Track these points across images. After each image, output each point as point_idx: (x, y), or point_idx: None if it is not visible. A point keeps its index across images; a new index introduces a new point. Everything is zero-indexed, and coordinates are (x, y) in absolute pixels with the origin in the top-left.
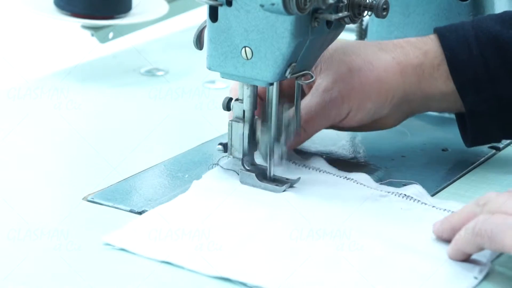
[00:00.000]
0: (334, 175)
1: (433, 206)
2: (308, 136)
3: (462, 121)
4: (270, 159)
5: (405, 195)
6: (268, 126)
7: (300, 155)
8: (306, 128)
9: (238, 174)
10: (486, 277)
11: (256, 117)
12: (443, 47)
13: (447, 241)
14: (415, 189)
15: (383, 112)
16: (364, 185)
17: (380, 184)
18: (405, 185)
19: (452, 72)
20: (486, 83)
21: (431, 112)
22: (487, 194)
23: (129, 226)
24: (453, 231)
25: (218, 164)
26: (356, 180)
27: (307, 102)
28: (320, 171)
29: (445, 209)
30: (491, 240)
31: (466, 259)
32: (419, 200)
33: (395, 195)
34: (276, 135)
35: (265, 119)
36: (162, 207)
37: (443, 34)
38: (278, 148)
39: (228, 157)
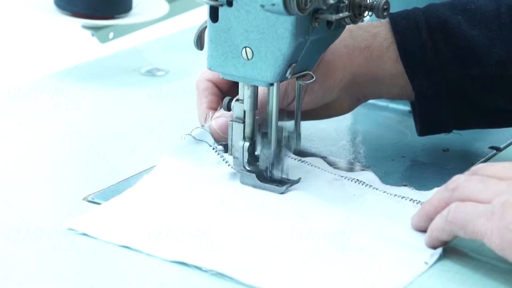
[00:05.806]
0: (289, 157)
1: (384, 192)
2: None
3: (415, 109)
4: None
5: (358, 180)
6: (268, 140)
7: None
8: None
9: (211, 145)
10: (438, 261)
11: (256, 117)
12: (393, 31)
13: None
14: (368, 176)
15: (333, 95)
16: (319, 168)
17: (334, 168)
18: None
19: (401, 54)
20: (435, 67)
21: None
22: (455, 177)
23: (93, 211)
24: (429, 219)
25: (190, 135)
26: (310, 163)
27: None
28: None
29: (396, 195)
30: (463, 228)
31: (444, 246)
32: (371, 185)
33: (348, 179)
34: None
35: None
36: (127, 192)
37: (394, 19)
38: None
39: (202, 127)
